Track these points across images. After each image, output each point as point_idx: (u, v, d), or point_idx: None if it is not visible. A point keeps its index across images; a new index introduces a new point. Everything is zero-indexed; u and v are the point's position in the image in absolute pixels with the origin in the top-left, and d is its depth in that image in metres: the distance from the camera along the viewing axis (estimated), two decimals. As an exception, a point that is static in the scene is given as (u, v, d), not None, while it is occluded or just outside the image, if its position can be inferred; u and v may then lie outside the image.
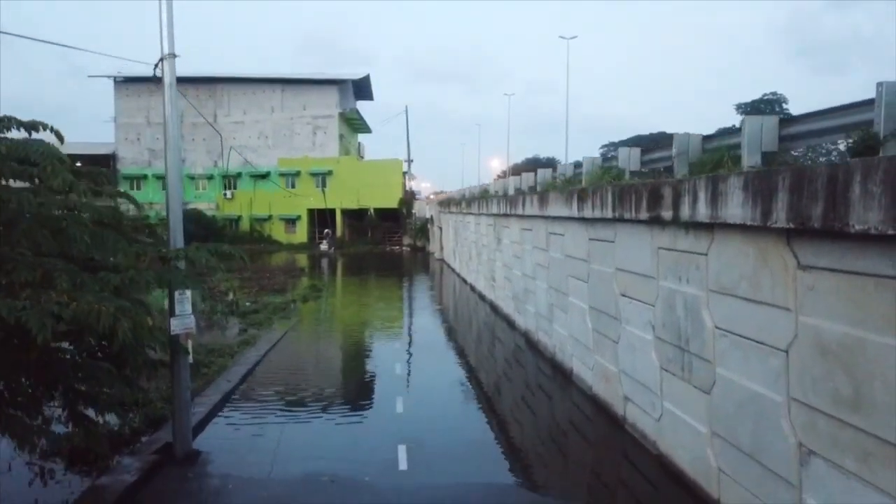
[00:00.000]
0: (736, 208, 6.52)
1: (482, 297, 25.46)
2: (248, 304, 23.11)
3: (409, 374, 14.97)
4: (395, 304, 27.59)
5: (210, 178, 58.69)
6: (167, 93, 8.79)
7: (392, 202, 56.34)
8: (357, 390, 14.01)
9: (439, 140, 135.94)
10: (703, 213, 7.24)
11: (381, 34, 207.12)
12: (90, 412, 7.30)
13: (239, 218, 57.81)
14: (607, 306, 10.99)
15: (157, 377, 10.04)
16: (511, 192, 18.65)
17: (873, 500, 5.09)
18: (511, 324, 19.51)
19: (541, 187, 15.23)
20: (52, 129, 7.09)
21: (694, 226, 7.75)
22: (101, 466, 8.74)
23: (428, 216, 52.50)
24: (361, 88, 64.34)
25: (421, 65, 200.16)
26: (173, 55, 8.80)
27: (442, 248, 43.44)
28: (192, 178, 57.81)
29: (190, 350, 9.26)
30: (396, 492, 8.18)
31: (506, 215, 19.84)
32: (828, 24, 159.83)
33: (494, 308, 22.62)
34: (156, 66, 8.80)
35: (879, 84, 5.36)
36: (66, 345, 6.82)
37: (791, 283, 6.01)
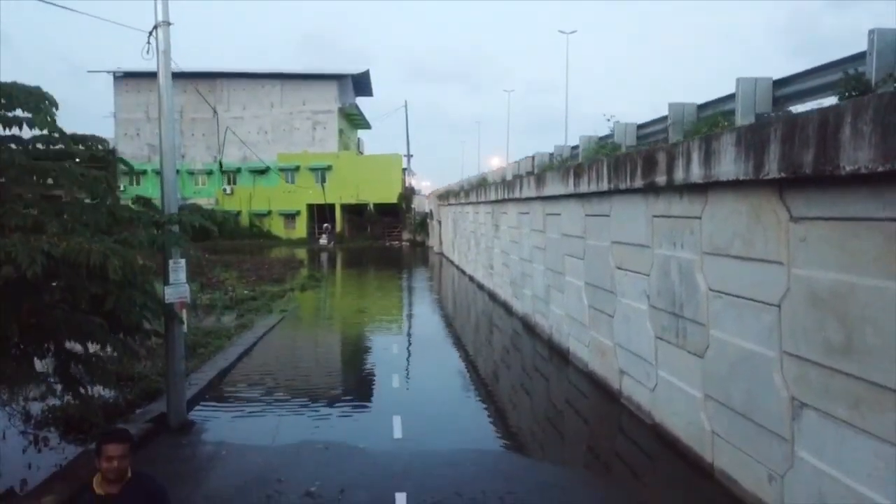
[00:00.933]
0: (729, 165, 6.51)
1: (481, 287, 25.47)
2: (245, 292, 23.13)
3: (407, 357, 14.95)
4: (394, 294, 27.56)
5: (209, 173, 58.71)
6: (161, 60, 8.78)
7: (391, 197, 56.34)
8: (354, 368, 14.00)
9: (439, 140, 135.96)
10: (696, 173, 7.23)
11: (380, 34, 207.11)
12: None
13: (239, 213, 57.79)
14: (603, 281, 10.98)
15: (151, 346, 10.06)
16: (509, 177, 18.63)
17: (864, 445, 5.08)
18: (509, 309, 19.51)
19: (538, 170, 15.21)
20: (48, 101, 7.10)
21: (688, 189, 7.74)
22: (95, 434, 8.73)
23: (427, 210, 52.52)
24: (361, 84, 64.31)
25: (420, 65, 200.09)
26: (167, 23, 8.80)
27: (441, 242, 43.45)
28: (191, 173, 57.88)
29: (185, 319, 9.26)
30: (390, 456, 8.17)
31: (503, 201, 19.84)
32: (827, 23, 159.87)
33: (493, 296, 22.62)
34: (150, 33, 8.79)
35: (871, 31, 5.33)
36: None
37: (783, 237, 6.01)
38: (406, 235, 55.95)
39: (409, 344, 16.39)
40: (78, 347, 7.17)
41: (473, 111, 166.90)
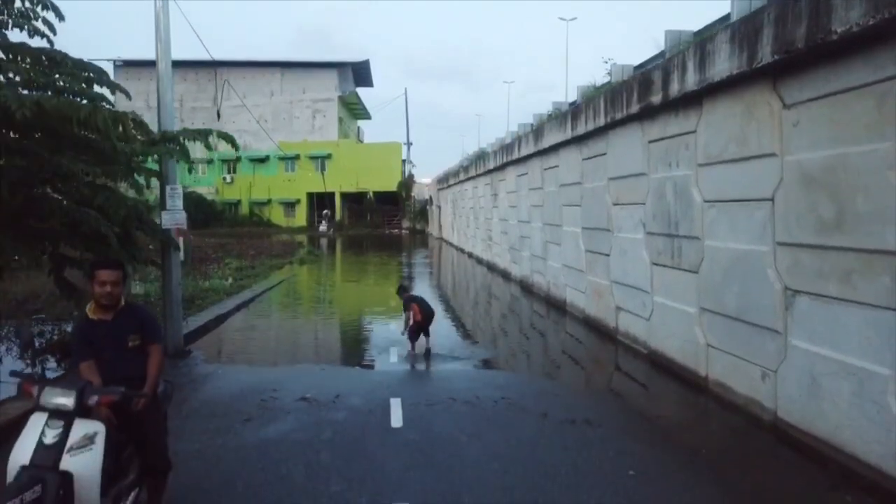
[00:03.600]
0: (723, 63, 6.53)
1: (479, 261, 25.51)
2: (245, 262, 23.12)
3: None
4: (392, 265, 27.58)
5: (210, 162, 58.66)
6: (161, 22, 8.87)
7: (391, 185, 56.33)
8: (353, 319, 14.02)
9: (439, 139, 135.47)
10: (692, 81, 7.25)
11: (379, 32, 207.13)
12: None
13: (238, 202, 57.82)
14: (600, 221, 11.00)
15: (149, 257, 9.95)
16: (508, 140, 18.68)
17: (855, 317, 5.10)
18: (507, 276, 19.53)
19: (536, 124, 15.24)
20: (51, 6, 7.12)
21: (683, 103, 7.76)
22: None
23: (427, 197, 52.54)
24: (361, 74, 64.29)
25: (419, 64, 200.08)
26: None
27: (440, 228, 43.47)
28: (191, 162, 57.78)
29: (181, 246, 9.28)
30: (385, 374, 8.22)
31: (502, 167, 19.87)
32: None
33: (491, 266, 22.66)
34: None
35: None
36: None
37: (777, 127, 6.03)
38: (406, 223, 55.94)
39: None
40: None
41: (473, 110, 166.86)
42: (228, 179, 58.06)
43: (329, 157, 56.47)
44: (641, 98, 8.69)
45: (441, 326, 11.16)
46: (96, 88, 7.30)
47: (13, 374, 3.71)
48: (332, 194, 55.62)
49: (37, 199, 6.12)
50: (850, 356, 5.16)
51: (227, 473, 5.01)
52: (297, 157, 57.12)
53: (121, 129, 5.95)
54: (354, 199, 57.52)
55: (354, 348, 10.59)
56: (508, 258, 19.53)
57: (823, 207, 5.41)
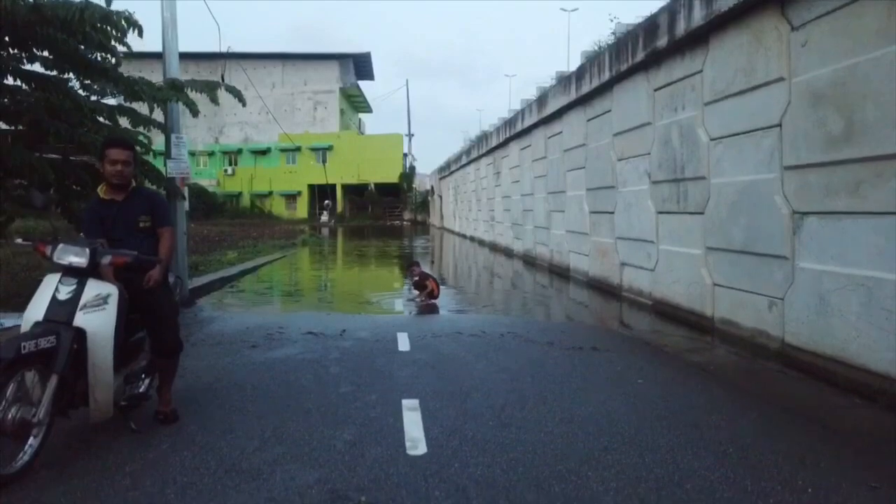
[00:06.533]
0: (730, -9, 6.53)
1: (481, 243, 25.52)
2: (249, 243, 23.14)
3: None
4: (392, 249, 27.58)
5: (211, 154, 58.68)
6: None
7: (392, 177, 56.27)
8: (354, 284, 14.02)
9: (439, 138, 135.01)
10: (698, 16, 7.25)
11: (375, 30, 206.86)
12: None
13: (240, 194, 57.78)
14: (604, 179, 11.00)
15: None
16: (510, 116, 18.68)
17: (863, 228, 5.10)
18: (509, 253, 19.54)
19: (539, 94, 15.24)
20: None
21: (690, 42, 7.76)
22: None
23: (428, 187, 52.54)
24: (362, 66, 64.17)
25: (417, 63, 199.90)
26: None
27: (442, 218, 43.46)
28: (192, 154, 57.79)
29: (186, 196, 9.28)
30: (392, 317, 8.21)
31: (504, 143, 19.87)
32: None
33: (493, 246, 22.67)
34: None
35: None
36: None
37: (785, 51, 6.03)
38: (407, 215, 55.94)
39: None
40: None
41: (473, 106, 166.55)
42: (230, 171, 58.01)
43: (330, 148, 56.41)
44: (647, 44, 8.69)
45: (443, 298, 11.21)
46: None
47: (25, 238, 3.70)
48: (333, 186, 55.56)
49: (41, 125, 6.10)
50: (859, 268, 5.16)
51: (237, 380, 5.01)
52: (298, 148, 57.05)
53: (113, 31, 5.86)
54: (356, 191, 57.46)
55: (360, 300, 10.59)
56: (511, 235, 19.53)
57: (832, 122, 5.41)
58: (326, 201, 53.91)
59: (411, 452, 3.46)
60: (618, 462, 3.35)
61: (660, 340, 7.09)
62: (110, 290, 3.41)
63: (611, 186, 10.71)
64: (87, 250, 3.35)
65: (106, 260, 3.41)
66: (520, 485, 3.05)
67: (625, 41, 9.48)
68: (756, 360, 6.12)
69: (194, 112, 8.58)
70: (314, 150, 56.60)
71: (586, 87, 11.37)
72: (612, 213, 10.70)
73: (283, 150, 56.38)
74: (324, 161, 55.95)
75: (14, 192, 6.45)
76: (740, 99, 6.81)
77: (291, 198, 57.97)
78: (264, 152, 56.61)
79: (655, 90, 8.88)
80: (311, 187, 56.83)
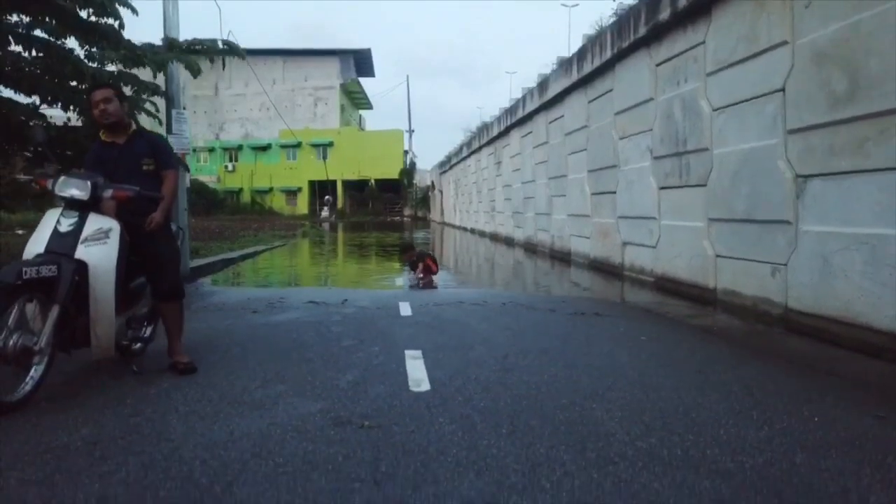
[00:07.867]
0: (733, -43, 6.52)
1: (482, 234, 25.51)
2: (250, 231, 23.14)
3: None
4: (391, 240, 27.60)
5: (211, 150, 58.65)
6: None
7: (393, 173, 56.21)
8: (353, 267, 14.01)
9: (439, 137, 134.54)
10: (701, -15, 7.24)
11: (375, 30, 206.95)
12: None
13: (240, 190, 57.75)
14: (606, 159, 10.98)
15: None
16: (510, 104, 18.66)
17: (867, 185, 5.08)
18: (510, 242, 19.53)
19: (540, 80, 15.22)
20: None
21: (692, 14, 7.74)
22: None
23: (429, 183, 52.53)
24: (362, 63, 64.14)
25: (416, 62, 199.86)
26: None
27: (442, 213, 43.46)
28: (193, 150, 57.71)
29: (189, 167, 9.26)
30: (392, 291, 8.19)
31: (505, 132, 19.85)
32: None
33: (494, 236, 22.67)
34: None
35: None
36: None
37: (788, 14, 6.01)
38: (407, 211, 55.90)
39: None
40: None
41: (473, 105, 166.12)
42: (230, 168, 57.99)
43: (331, 144, 56.37)
44: (650, 18, 8.67)
45: (443, 280, 11.22)
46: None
47: (26, 173, 3.69)
48: (333, 182, 55.53)
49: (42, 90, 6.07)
50: (863, 227, 5.14)
51: (239, 338, 4.99)
52: (298, 144, 57.04)
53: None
54: (356, 187, 57.40)
55: (360, 278, 10.57)
56: (512, 224, 19.52)
57: (836, 82, 5.39)
58: (327, 196, 53.89)
59: (414, 389, 3.45)
60: (622, 398, 3.33)
61: (662, 309, 7.07)
62: (112, 224, 3.40)
63: (612, 166, 10.69)
64: (89, 183, 3.33)
65: (107, 193, 3.39)
66: (524, 414, 3.03)
67: (627, 17, 9.46)
68: (760, 322, 6.11)
69: (195, 72, 8.47)
70: (315, 146, 56.57)
71: (588, 68, 11.35)
72: (614, 192, 10.69)
73: (284, 147, 56.35)
74: (324, 157, 55.93)
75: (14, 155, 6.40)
76: (743, 67, 6.79)
77: (292, 194, 57.93)
78: (265, 148, 56.58)
79: (657, 65, 8.87)
80: (312, 183, 56.79)
